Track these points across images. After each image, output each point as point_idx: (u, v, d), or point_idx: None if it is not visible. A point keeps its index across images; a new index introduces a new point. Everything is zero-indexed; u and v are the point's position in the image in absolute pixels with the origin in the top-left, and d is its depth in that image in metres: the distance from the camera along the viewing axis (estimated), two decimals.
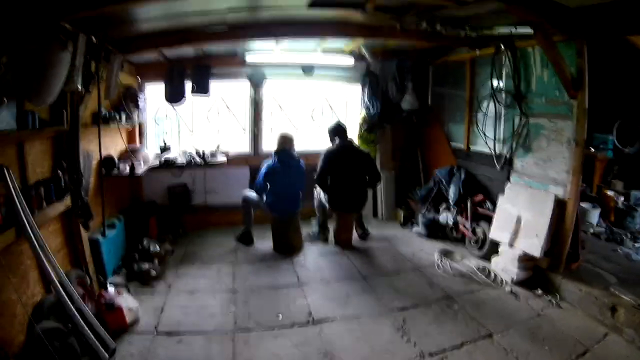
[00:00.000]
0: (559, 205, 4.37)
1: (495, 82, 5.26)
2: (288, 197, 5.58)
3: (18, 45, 2.82)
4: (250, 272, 4.95)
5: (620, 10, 3.35)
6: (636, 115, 5.92)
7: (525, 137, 4.92)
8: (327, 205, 5.70)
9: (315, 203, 6.05)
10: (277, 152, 5.54)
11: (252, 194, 5.77)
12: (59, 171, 3.64)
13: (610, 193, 6.18)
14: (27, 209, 2.94)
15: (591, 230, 5.79)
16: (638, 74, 5.65)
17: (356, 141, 6.57)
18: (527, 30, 4.26)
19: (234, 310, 4.02)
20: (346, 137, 5.69)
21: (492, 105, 5.33)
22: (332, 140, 5.74)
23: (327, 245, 5.88)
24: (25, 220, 2.87)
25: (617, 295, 3.81)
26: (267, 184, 5.49)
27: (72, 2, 2.93)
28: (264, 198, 5.55)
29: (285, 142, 5.61)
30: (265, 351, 3.36)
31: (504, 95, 5.16)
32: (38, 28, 2.89)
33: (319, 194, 5.83)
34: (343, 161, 5.46)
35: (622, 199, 6.12)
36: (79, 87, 3.43)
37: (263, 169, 5.52)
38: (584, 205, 5.65)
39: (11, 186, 2.83)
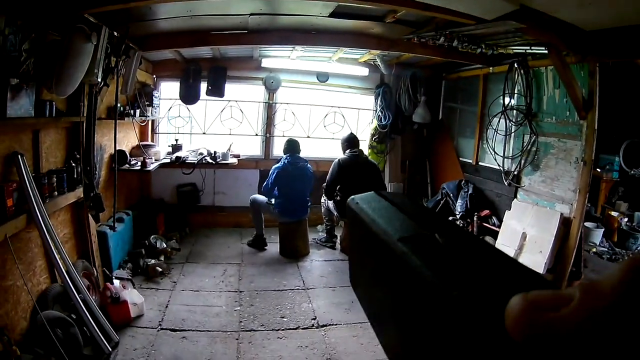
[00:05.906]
0: (564, 223, 4.38)
1: (507, 100, 5.26)
2: (297, 202, 5.55)
3: (41, 33, 2.85)
4: (256, 274, 4.94)
5: (632, 35, 3.35)
6: None
7: (533, 155, 4.92)
8: (334, 213, 5.68)
9: (323, 210, 6.02)
10: (286, 155, 5.54)
11: (260, 197, 5.74)
12: (72, 162, 3.64)
13: (614, 214, 6.11)
14: (39, 196, 2.95)
15: (594, 250, 5.74)
16: None
17: (366, 151, 6.55)
18: (542, 50, 4.27)
19: (238, 310, 4.00)
20: (357, 148, 5.66)
21: (502, 122, 5.34)
22: (343, 150, 5.71)
23: (333, 251, 5.84)
24: (36, 208, 2.87)
25: None
26: (277, 187, 5.45)
27: None
28: (273, 202, 5.52)
29: (294, 147, 5.62)
30: (269, 352, 3.35)
31: (515, 112, 5.15)
32: (62, 18, 2.93)
33: (327, 201, 5.81)
34: (352, 171, 5.41)
35: (625, 220, 6.06)
36: (99, 79, 3.46)
37: (273, 172, 5.49)
38: (587, 224, 5.59)
39: (24, 173, 2.84)
